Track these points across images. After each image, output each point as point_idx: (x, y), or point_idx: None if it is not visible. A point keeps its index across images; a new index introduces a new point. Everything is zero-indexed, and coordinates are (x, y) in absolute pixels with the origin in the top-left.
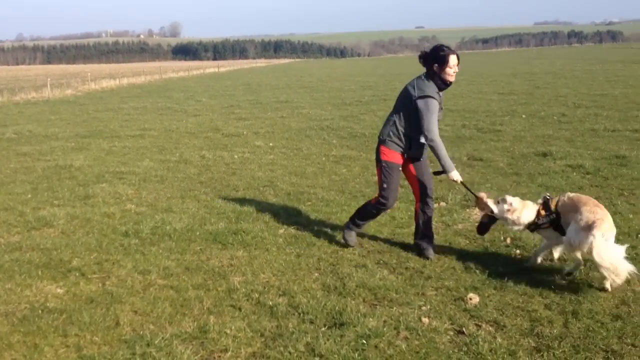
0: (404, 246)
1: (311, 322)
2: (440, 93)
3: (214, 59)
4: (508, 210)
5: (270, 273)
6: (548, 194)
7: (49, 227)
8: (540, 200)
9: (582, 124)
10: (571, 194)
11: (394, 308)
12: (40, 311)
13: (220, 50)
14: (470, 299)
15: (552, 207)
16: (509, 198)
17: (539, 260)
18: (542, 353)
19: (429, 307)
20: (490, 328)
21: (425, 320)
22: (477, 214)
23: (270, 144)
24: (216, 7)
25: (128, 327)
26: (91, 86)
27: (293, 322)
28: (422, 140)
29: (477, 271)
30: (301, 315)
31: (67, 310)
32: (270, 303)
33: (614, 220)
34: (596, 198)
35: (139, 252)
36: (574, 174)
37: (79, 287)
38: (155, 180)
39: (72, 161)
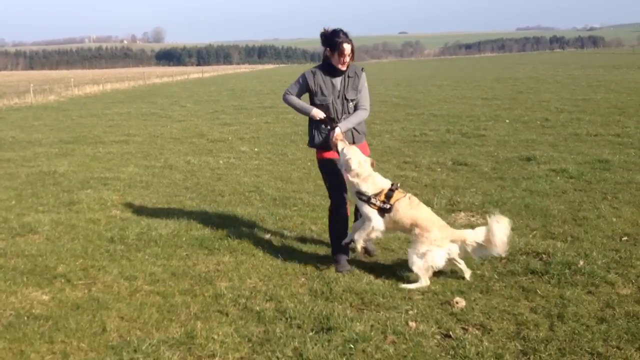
0: (390, 251)
1: (298, 327)
2: (337, 79)
3: (198, 64)
4: (350, 167)
5: (257, 278)
6: (396, 184)
7: (34, 233)
8: (388, 185)
9: (565, 128)
10: (413, 199)
11: (381, 312)
12: (25, 318)
13: (204, 55)
14: (457, 302)
15: (392, 200)
16: (360, 160)
17: (360, 245)
18: (528, 356)
19: (415, 311)
20: (477, 331)
21: (412, 324)
22: (462, 219)
23: (256, 149)
24: (200, 13)
25: (115, 333)
26: (74, 92)
27: (280, 327)
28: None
29: (463, 275)
30: (288, 320)
31: (53, 316)
32: (258, 308)
33: (598, 225)
34: (580, 202)
35: (124, 258)
36: (558, 178)
37: (64, 294)
38: (141, 186)
39: (56, 167)
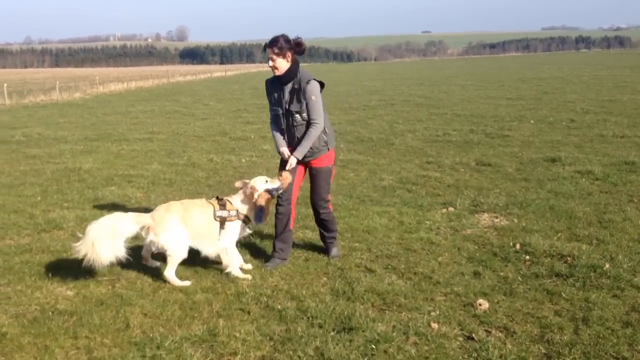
0: (412, 251)
1: (320, 327)
2: (285, 90)
3: (221, 62)
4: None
5: (279, 277)
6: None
7: (59, 229)
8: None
9: (590, 129)
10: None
11: (403, 313)
12: (50, 313)
13: (227, 54)
14: (480, 304)
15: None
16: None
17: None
18: None
19: (438, 312)
20: (500, 334)
21: (434, 325)
22: (485, 220)
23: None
24: (223, 12)
25: (138, 330)
26: (99, 89)
27: (302, 326)
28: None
29: (486, 277)
30: (310, 319)
31: (77, 312)
32: (279, 307)
33: (624, 227)
34: (605, 204)
35: None
36: (583, 180)
37: (89, 290)
38: (164, 183)
39: (81, 164)
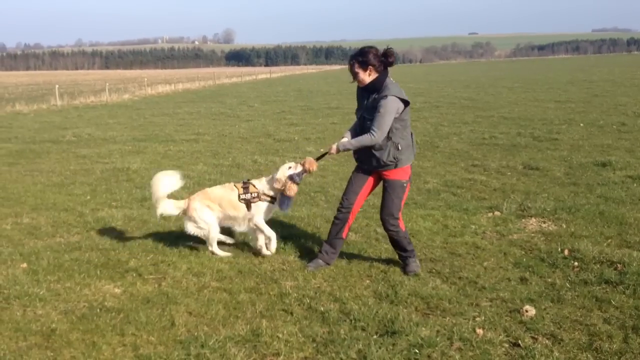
0: (457, 255)
1: (363, 330)
2: (370, 96)
3: (266, 65)
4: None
5: (322, 279)
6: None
7: (107, 227)
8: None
9: None
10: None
11: (447, 318)
12: (98, 310)
13: (272, 56)
14: (527, 311)
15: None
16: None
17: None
18: None
19: (483, 318)
20: (547, 341)
21: (479, 331)
22: (532, 224)
23: (322, 150)
24: (269, 14)
25: (183, 328)
26: (147, 91)
27: (344, 328)
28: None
29: (533, 283)
30: (353, 322)
31: (124, 309)
32: (322, 309)
33: None
34: None
35: (193, 254)
36: (634, 185)
37: (135, 287)
38: (209, 184)
39: (130, 164)
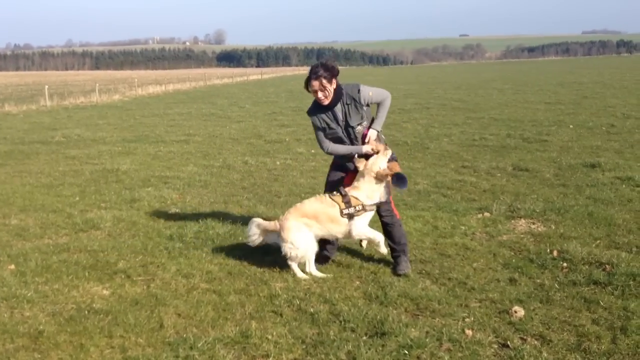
0: (447, 256)
1: (352, 331)
2: (336, 109)
3: (258, 66)
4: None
5: (312, 280)
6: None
7: (96, 229)
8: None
9: (631, 135)
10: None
11: (437, 319)
12: (86, 312)
13: (263, 57)
14: (515, 311)
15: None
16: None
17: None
18: None
19: (472, 319)
20: (536, 342)
21: (468, 332)
22: (522, 226)
23: (312, 151)
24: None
25: (172, 330)
26: (138, 92)
27: (334, 329)
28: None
29: (522, 284)
30: (342, 323)
31: (112, 311)
32: (312, 310)
33: None
34: None
35: (182, 255)
36: (623, 186)
37: (124, 289)
38: (199, 185)
39: (119, 165)
